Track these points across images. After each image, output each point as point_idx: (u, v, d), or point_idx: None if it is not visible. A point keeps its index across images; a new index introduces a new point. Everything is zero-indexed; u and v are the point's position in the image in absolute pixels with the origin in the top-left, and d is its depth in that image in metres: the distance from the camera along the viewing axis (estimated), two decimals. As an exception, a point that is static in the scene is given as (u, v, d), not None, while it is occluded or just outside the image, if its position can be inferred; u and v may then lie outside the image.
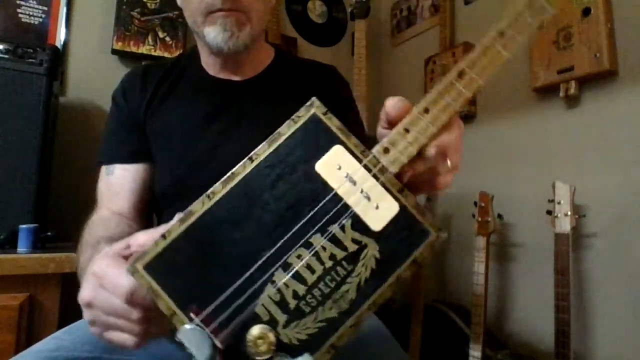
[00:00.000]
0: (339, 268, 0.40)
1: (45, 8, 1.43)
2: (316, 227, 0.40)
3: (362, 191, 0.41)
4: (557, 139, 1.33)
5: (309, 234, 0.40)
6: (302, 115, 0.42)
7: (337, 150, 0.41)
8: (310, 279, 0.39)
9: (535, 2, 0.44)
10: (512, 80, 1.48)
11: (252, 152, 0.41)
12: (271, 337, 0.37)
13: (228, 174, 0.41)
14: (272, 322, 0.38)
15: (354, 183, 0.41)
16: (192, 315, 0.37)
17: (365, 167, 0.41)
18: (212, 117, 0.72)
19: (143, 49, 1.54)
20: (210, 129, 0.72)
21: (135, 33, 1.53)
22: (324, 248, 0.40)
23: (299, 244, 0.40)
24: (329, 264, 0.39)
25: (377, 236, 0.40)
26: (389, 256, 0.40)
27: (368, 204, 0.41)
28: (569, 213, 1.12)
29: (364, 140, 0.78)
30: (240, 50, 0.69)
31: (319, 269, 0.39)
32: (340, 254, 0.40)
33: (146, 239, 0.40)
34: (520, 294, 1.41)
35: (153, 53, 1.54)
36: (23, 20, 1.39)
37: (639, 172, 1.12)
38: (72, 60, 1.50)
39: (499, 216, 1.35)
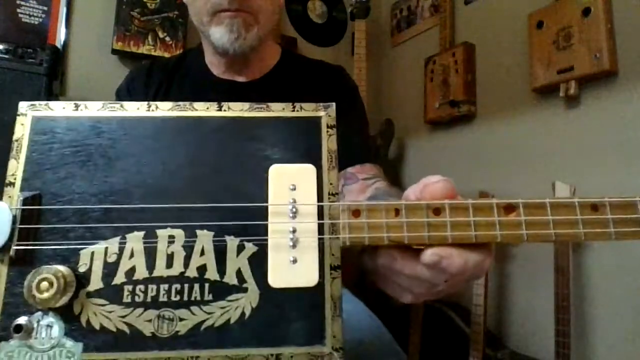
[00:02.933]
0: (196, 287, 0.31)
1: (45, 8, 1.43)
2: (213, 223, 0.32)
3: (293, 231, 0.32)
4: (557, 139, 1.33)
5: (200, 223, 0.32)
6: (307, 109, 0.36)
7: (307, 170, 0.34)
8: (159, 270, 0.31)
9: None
10: (512, 80, 1.48)
11: (226, 103, 0.35)
12: (59, 296, 0.29)
13: (186, 103, 0.35)
14: (82, 279, 0.31)
15: (294, 216, 0.32)
16: (19, 194, 0.31)
17: (320, 210, 0.33)
18: None
19: (143, 49, 1.54)
20: None
21: (135, 33, 1.53)
22: (202, 251, 0.32)
23: (182, 225, 0.32)
24: (191, 272, 0.31)
25: (266, 292, 0.31)
26: (257, 325, 0.31)
27: (287, 250, 0.32)
28: (569, 213, 1.12)
29: (364, 147, 0.77)
30: (247, 51, 0.67)
31: (176, 269, 0.31)
32: (212, 274, 0.31)
33: None
34: (520, 294, 1.41)
35: (153, 53, 1.54)
36: (23, 20, 1.39)
37: (639, 172, 1.12)
38: (72, 60, 1.50)
39: (499, 216, 1.35)
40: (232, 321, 0.30)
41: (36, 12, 1.42)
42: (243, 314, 0.31)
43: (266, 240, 0.32)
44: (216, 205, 0.32)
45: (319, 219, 0.32)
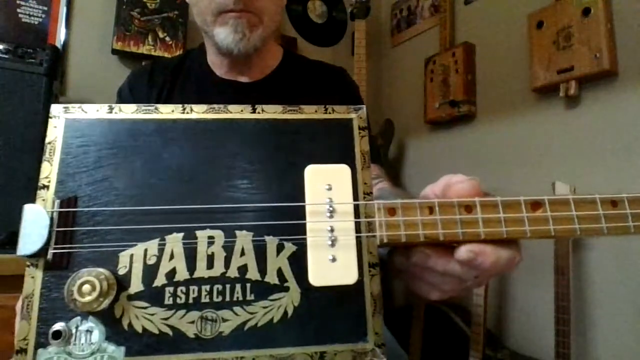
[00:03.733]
0: (238, 287, 0.31)
1: (45, 8, 1.43)
2: (252, 223, 0.32)
3: (331, 230, 0.32)
4: (557, 139, 1.33)
5: (239, 224, 0.32)
6: (339, 112, 0.36)
7: (341, 170, 0.34)
8: (200, 271, 0.31)
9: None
10: (512, 80, 1.48)
11: (260, 105, 0.35)
12: (102, 299, 0.29)
13: (220, 105, 0.35)
14: (122, 282, 0.30)
15: (331, 215, 0.33)
16: (54, 197, 0.31)
17: (356, 209, 0.33)
18: None
19: (143, 49, 1.53)
20: None
21: (135, 33, 1.53)
22: (242, 251, 0.32)
23: (221, 225, 0.32)
24: (233, 273, 0.31)
25: (307, 290, 0.31)
26: (299, 324, 0.31)
27: (326, 249, 0.32)
28: (569, 213, 1.12)
29: (374, 147, 0.76)
30: (250, 52, 0.67)
31: (217, 269, 0.31)
32: (253, 274, 0.31)
33: None
34: (520, 294, 1.41)
35: (153, 53, 1.54)
36: (23, 20, 1.38)
37: (639, 171, 1.12)
38: (72, 60, 1.50)
39: (499, 216, 1.35)
40: (275, 320, 0.31)
41: (36, 12, 1.42)
42: (286, 312, 0.31)
43: (305, 239, 0.32)
44: (254, 205, 0.32)
45: (355, 217, 0.33)
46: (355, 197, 0.34)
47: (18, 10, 1.39)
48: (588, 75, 1.20)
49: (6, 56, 1.17)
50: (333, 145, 0.35)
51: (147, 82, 0.75)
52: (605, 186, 1.18)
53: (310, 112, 0.36)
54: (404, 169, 1.94)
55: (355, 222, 0.33)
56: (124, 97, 0.77)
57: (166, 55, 1.56)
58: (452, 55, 1.63)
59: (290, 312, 0.31)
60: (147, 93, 0.75)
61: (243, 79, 0.74)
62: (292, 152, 0.34)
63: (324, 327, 0.31)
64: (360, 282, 0.32)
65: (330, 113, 0.36)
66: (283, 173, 0.34)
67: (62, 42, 1.47)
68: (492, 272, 0.34)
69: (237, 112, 0.35)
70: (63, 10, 1.47)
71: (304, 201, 0.33)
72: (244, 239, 0.31)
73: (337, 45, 2.09)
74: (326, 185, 0.33)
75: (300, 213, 0.33)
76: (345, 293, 0.31)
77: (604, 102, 1.22)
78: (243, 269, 0.31)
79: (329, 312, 0.31)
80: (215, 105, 0.35)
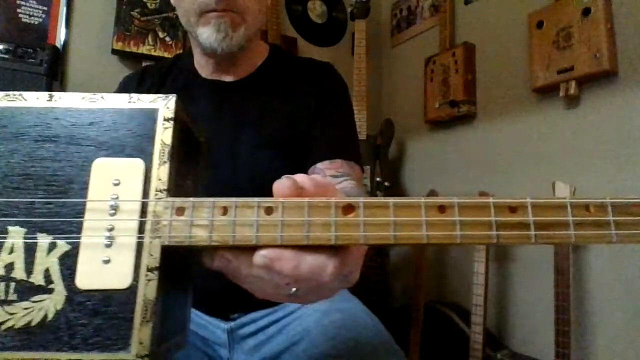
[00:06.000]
0: (1, 286, 0.29)
1: (45, 8, 1.43)
2: (26, 219, 0.30)
3: (111, 229, 0.30)
4: (557, 139, 1.33)
5: (12, 218, 0.30)
6: (144, 101, 0.33)
7: (133, 164, 0.31)
8: None
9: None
10: (512, 80, 1.48)
11: (58, 93, 0.33)
12: None
13: (16, 92, 0.33)
14: None
15: (114, 212, 0.30)
16: None
17: (144, 207, 0.30)
18: (203, 119, 0.72)
19: (143, 49, 1.53)
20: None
21: (135, 33, 1.53)
22: (11, 249, 0.30)
23: None
24: None
25: (73, 293, 0.29)
26: (58, 329, 0.29)
27: (101, 250, 0.30)
28: (569, 213, 1.12)
29: (338, 143, 0.74)
30: (234, 51, 0.68)
31: None
32: (19, 273, 0.29)
33: None
34: (520, 294, 1.41)
35: (153, 53, 1.54)
36: (23, 20, 1.38)
37: (639, 171, 1.12)
38: (72, 60, 1.50)
39: (499, 216, 1.35)
40: (33, 323, 0.29)
41: (36, 12, 1.42)
42: (45, 316, 0.29)
43: (79, 237, 0.30)
44: (29, 200, 0.30)
45: (142, 216, 0.30)
46: (146, 195, 0.30)
47: (18, 10, 1.39)
48: (588, 75, 1.20)
49: (6, 56, 1.17)
50: (131, 137, 0.32)
51: (136, 86, 0.76)
52: (605, 185, 1.18)
53: (112, 101, 0.33)
54: (404, 169, 1.94)
55: (140, 222, 0.30)
56: None
57: (166, 55, 1.56)
58: (452, 55, 1.63)
59: (50, 315, 0.29)
60: None
61: (228, 78, 0.75)
62: (84, 144, 0.31)
63: (84, 333, 0.28)
64: (133, 287, 0.29)
65: (134, 102, 0.33)
66: (71, 166, 0.31)
67: (62, 42, 1.47)
68: (308, 282, 0.30)
69: (34, 99, 0.33)
70: (63, 10, 1.47)
71: (82, 198, 0.30)
72: (15, 235, 0.29)
73: (337, 45, 2.09)
74: (114, 180, 0.31)
75: (81, 209, 0.30)
76: (115, 298, 0.29)
77: (604, 102, 1.22)
78: (9, 267, 0.29)
79: (93, 317, 0.29)
80: (11, 93, 0.33)
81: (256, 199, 0.30)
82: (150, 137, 0.32)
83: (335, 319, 0.57)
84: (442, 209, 0.29)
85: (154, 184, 0.31)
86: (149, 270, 0.29)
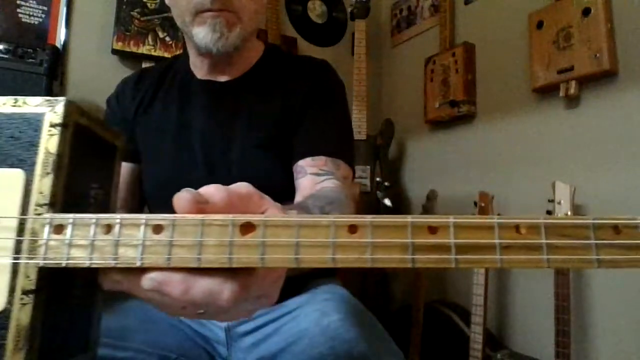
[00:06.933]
0: None
1: (45, 8, 1.43)
2: None
3: None
4: (557, 139, 1.33)
5: None
6: (30, 104, 0.30)
7: (12, 175, 0.28)
8: None
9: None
10: (512, 80, 1.48)
11: None
12: None
13: None
14: None
15: None
16: None
17: (21, 225, 0.27)
18: (197, 120, 0.73)
19: (143, 49, 1.53)
20: (195, 131, 0.72)
21: (135, 33, 1.53)
22: None
23: None
24: None
25: None
26: None
27: None
28: (569, 213, 1.12)
29: (323, 140, 0.70)
30: (230, 51, 0.67)
31: None
32: None
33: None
34: (520, 294, 1.41)
35: (153, 53, 1.54)
36: (23, 20, 1.38)
37: (639, 171, 1.12)
38: (72, 60, 1.50)
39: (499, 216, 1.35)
40: None
41: (36, 12, 1.42)
42: None
43: None
44: None
45: (19, 234, 0.27)
46: (25, 211, 0.27)
47: (18, 10, 1.39)
48: (588, 75, 1.20)
49: (6, 56, 1.17)
50: (12, 145, 0.29)
51: (133, 88, 0.77)
52: (605, 186, 1.18)
53: None
54: (404, 169, 1.94)
55: (16, 241, 0.27)
56: (112, 106, 0.79)
57: (166, 55, 1.56)
58: (452, 55, 1.63)
59: None
60: (131, 99, 0.77)
61: (223, 78, 0.74)
62: None
63: None
64: (7, 311, 0.26)
65: (20, 106, 0.29)
66: None
67: (62, 42, 1.47)
68: (204, 305, 0.28)
69: None
70: (63, 10, 1.47)
71: None
72: None
73: (337, 45, 2.09)
74: None
75: None
76: None
77: (604, 102, 1.22)
78: None
79: None
80: None
81: (144, 216, 0.27)
82: (33, 145, 0.28)
83: (334, 320, 0.57)
84: (353, 228, 0.26)
85: (35, 198, 0.27)
86: (24, 293, 0.27)
